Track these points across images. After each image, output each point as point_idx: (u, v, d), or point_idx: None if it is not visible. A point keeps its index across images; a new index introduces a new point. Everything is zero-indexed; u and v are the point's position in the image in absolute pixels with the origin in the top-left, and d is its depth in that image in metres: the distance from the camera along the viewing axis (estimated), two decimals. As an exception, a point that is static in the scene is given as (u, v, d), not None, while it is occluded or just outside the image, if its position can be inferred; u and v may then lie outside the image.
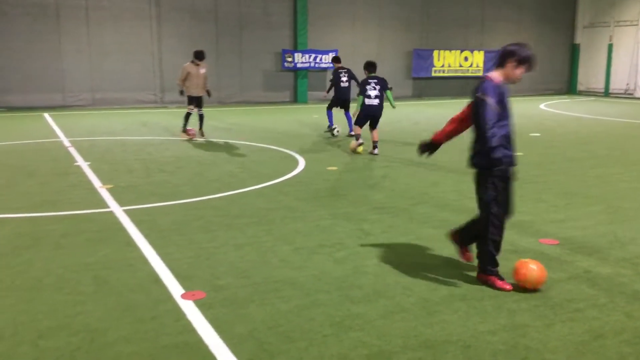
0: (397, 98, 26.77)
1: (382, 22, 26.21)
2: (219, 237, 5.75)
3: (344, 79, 13.39)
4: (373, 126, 10.91)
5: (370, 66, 11.02)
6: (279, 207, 6.92)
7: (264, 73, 23.89)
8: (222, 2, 22.90)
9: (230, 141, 12.65)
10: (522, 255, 5.18)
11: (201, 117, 13.12)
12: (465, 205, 6.99)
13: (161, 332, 3.73)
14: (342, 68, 13.59)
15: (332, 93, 13.79)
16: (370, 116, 10.81)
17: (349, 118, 13.02)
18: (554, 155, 10.87)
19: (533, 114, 19.61)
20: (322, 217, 6.48)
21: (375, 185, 8.17)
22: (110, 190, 7.75)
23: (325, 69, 24.66)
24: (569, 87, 31.54)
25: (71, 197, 7.41)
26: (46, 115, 18.53)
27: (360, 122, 10.93)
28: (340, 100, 13.29)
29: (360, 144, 10.95)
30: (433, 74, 27.48)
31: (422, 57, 27.08)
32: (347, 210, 6.79)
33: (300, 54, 23.80)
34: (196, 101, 12.90)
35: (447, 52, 27.51)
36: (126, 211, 6.68)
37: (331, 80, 13.80)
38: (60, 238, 5.67)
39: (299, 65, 23.94)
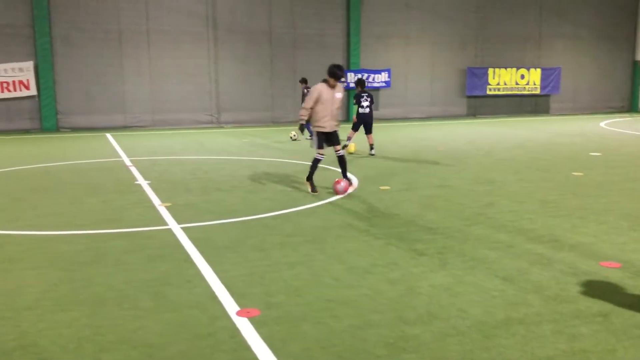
0: (450, 116, 26.68)
1: (436, 40, 26.15)
2: (272, 255, 5.82)
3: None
4: (368, 131, 13.80)
5: (361, 83, 14.05)
6: (331, 226, 6.96)
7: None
8: (277, 24, 23.38)
9: (283, 160, 12.81)
10: (582, 278, 5.03)
11: (342, 160, 9.07)
12: (522, 226, 6.85)
13: (217, 349, 3.80)
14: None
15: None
16: (363, 121, 13.76)
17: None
18: (615, 175, 10.52)
19: (593, 132, 19.05)
20: (375, 236, 6.47)
21: (429, 205, 8.10)
22: (168, 208, 7.97)
23: (377, 89, 24.74)
24: (631, 104, 30.55)
25: (132, 214, 7.66)
26: (109, 135, 19.27)
27: (355, 127, 13.98)
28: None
29: (345, 145, 13.49)
30: (488, 92, 27.14)
31: (477, 75, 26.82)
32: (401, 230, 6.75)
33: (352, 74, 23.97)
34: (329, 138, 8.89)
35: (502, 70, 27.16)
36: (184, 229, 6.86)
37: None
38: (121, 254, 5.87)
39: (351, 85, 24.11)
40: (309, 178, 9.02)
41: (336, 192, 8.73)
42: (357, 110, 13.82)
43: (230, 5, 22.63)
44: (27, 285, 4.99)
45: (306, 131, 16.70)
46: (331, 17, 24.16)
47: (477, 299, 4.61)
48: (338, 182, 8.80)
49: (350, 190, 8.92)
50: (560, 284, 4.93)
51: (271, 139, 17.70)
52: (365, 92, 13.89)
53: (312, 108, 8.75)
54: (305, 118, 9.01)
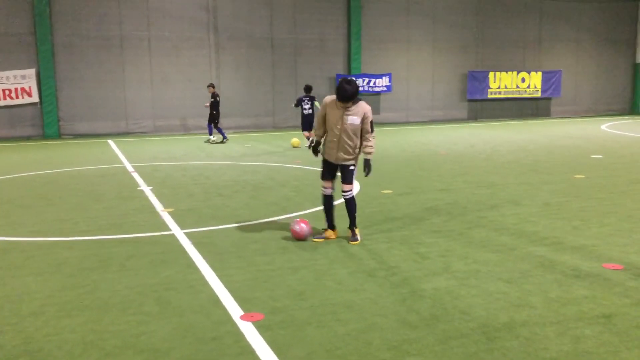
0: (451, 120, 26.68)
1: (436, 44, 26.21)
2: (275, 259, 5.83)
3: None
4: (310, 128, 16.31)
5: (307, 89, 16.67)
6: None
7: (318, 97, 24.10)
8: (278, 29, 23.45)
9: (285, 165, 12.83)
10: (585, 280, 5.04)
11: (348, 204, 6.56)
12: (524, 229, 6.86)
13: (222, 353, 3.81)
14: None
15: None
16: (308, 121, 16.34)
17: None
18: (617, 177, 10.53)
19: (594, 135, 19.07)
20: (377, 240, 6.49)
21: (431, 208, 8.12)
22: (171, 214, 8.00)
23: (378, 93, 24.79)
24: (632, 107, 30.56)
25: (135, 220, 7.69)
26: (110, 141, 19.30)
27: (306, 127, 16.49)
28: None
29: (310, 140, 15.26)
30: (489, 96, 27.18)
31: (477, 79, 26.86)
32: (403, 233, 6.77)
33: (353, 79, 24.04)
34: (333, 173, 6.57)
35: (503, 73, 27.20)
36: (187, 234, 6.88)
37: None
38: (125, 260, 5.89)
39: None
40: (328, 226, 6.65)
41: (295, 234, 6.50)
42: (302, 112, 16.49)
43: (232, 12, 22.70)
44: (32, 292, 5.01)
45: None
46: (332, 22, 24.23)
47: (480, 301, 4.62)
48: (300, 224, 6.53)
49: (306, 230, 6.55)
50: (563, 286, 4.95)
51: (272, 144, 17.73)
52: (307, 96, 16.64)
53: (321, 126, 6.48)
54: (315, 136, 6.63)
